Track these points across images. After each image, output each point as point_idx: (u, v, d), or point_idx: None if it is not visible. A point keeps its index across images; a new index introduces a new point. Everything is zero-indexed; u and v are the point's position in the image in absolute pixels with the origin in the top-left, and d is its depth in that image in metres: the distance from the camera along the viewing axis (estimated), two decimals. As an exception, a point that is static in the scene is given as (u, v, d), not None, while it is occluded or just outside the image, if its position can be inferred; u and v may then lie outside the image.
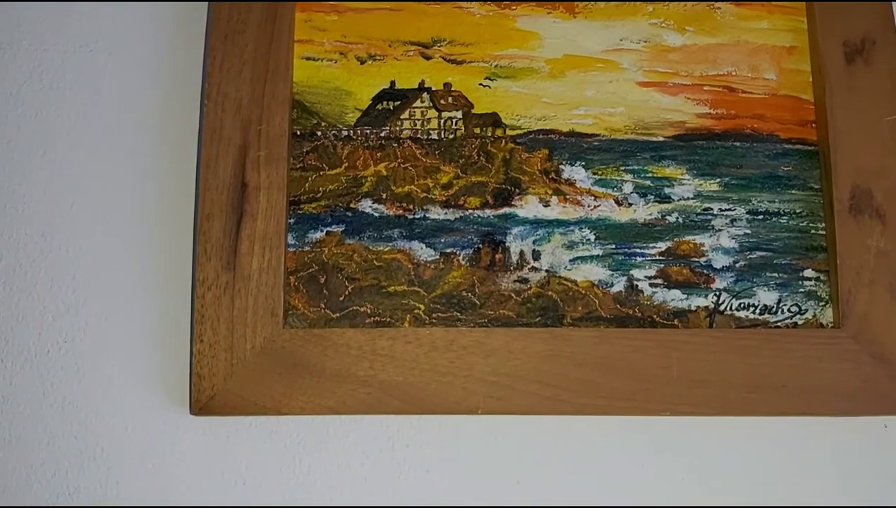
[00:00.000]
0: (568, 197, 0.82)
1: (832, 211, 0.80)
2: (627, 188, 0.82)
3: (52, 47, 0.84)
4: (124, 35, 0.85)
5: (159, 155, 0.83)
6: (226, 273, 0.78)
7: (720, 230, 0.82)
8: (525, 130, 0.83)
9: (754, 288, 0.81)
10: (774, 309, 0.80)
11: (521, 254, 0.81)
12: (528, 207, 0.82)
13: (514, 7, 0.85)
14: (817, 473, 0.79)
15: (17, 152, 0.83)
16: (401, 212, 0.82)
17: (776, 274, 0.81)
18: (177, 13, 0.85)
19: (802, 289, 0.80)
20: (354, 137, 0.83)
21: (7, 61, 0.84)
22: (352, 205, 0.81)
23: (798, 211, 0.82)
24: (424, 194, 0.82)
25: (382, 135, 0.83)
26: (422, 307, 0.80)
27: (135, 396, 0.79)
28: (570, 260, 0.81)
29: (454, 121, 0.83)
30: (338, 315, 0.79)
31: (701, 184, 0.82)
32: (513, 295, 0.80)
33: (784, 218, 0.82)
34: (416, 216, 0.81)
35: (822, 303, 0.80)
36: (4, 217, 0.82)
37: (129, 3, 0.85)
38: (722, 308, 0.80)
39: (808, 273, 0.81)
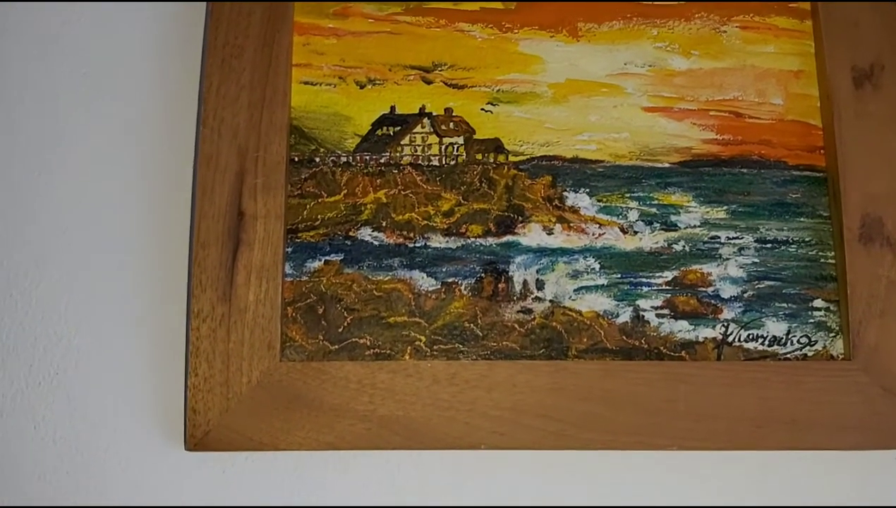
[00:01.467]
0: (572, 225, 0.82)
1: (842, 239, 0.80)
2: (633, 216, 0.82)
3: (48, 72, 0.84)
4: (120, 60, 0.86)
5: (154, 182, 0.84)
6: (221, 304, 0.77)
7: (728, 259, 0.82)
8: (528, 156, 0.83)
9: (763, 319, 0.81)
10: (784, 341, 0.80)
11: (525, 283, 0.81)
12: (532, 235, 0.82)
13: (516, 30, 0.85)
14: (826, 505, 0.78)
15: (12, 178, 0.83)
16: (401, 240, 0.81)
17: (785, 305, 0.81)
18: (173, 38, 0.85)
19: (812, 320, 0.80)
20: (354, 164, 0.83)
21: (3, 85, 0.84)
22: (351, 234, 0.81)
23: (807, 239, 0.82)
24: (425, 222, 0.82)
25: (382, 161, 0.83)
26: (423, 339, 0.79)
27: (128, 431, 0.79)
28: (575, 290, 0.81)
29: (455, 147, 0.83)
30: (336, 347, 0.79)
31: (708, 212, 0.82)
32: (516, 326, 0.80)
33: (793, 246, 0.82)
34: (417, 244, 0.81)
35: (833, 335, 0.80)
36: (7, 250, 0.82)
37: (125, 28, 0.85)
38: (730, 339, 0.80)
39: (818, 303, 0.81)
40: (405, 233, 0.82)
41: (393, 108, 0.84)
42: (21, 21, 0.86)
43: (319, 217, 0.82)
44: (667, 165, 0.83)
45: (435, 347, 0.79)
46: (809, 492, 0.79)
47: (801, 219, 0.82)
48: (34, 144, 0.83)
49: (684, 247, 0.82)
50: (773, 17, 0.85)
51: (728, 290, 0.81)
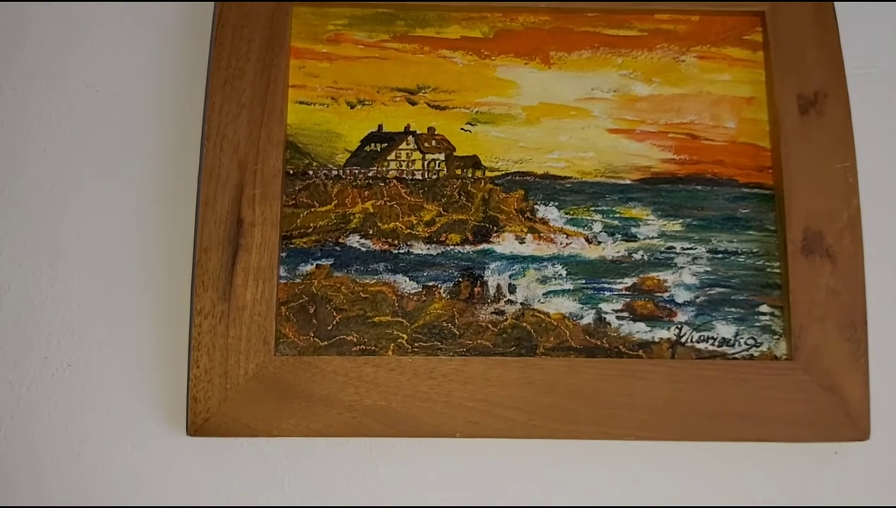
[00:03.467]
0: (542, 235, 0.84)
1: (786, 251, 0.83)
2: (597, 227, 0.85)
3: (61, 88, 0.87)
4: (129, 78, 0.87)
5: (161, 192, 0.85)
6: (221, 303, 0.80)
7: (682, 267, 0.84)
8: (503, 172, 0.85)
9: (713, 322, 0.83)
10: (732, 342, 0.83)
11: (498, 287, 0.83)
12: (505, 244, 0.84)
13: (493, 57, 0.87)
14: (771, 497, 0.82)
15: (27, 186, 0.85)
16: (386, 247, 0.84)
17: (734, 309, 0.83)
18: (179, 59, 0.87)
19: (758, 324, 0.83)
20: (344, 177, 0.85)
21: (19, 101, 0.87)
22: (340, 240, 0.83)
23: (755, 250, 0.84)
24: (409, 231, 0.84)
25: (370, 174, 0.85)
26: (405, 336, 0.81)
27: (135, 417, 0.81)
28: (544, 294, 0.83)
29: (437, 162, 0.86)
30: (326, 343, 0.81)
31: (665, 225, 0.85)
32: (490, 326, 0.82)
33: (741, 257, 0.84)
34: (401, 251, 0.83)
35: (777, 337, 0.82)
36: (14, 247, 0.84)
37: (136, 52, 0.87)
38: (683, 340, 0.82)
39: (764, 308, 0.83)
40: (390, 240, 0.84)
41: (380, 127, 0.86)
42: (38, 39, 0.88)
43: (312, 225, 0.83)
44: (628, 182, 0.85)
45: (416, 344, 0.81)
46: (753, 481, 0.82)
47: (750, 232, 0.84)
48: (50, 156, 0.86)
49: (643, 256, 0.84)
50: (728, 48, 0.87)
51: (682, 296, 0.83)
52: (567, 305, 0.83)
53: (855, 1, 0.90)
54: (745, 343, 0.83)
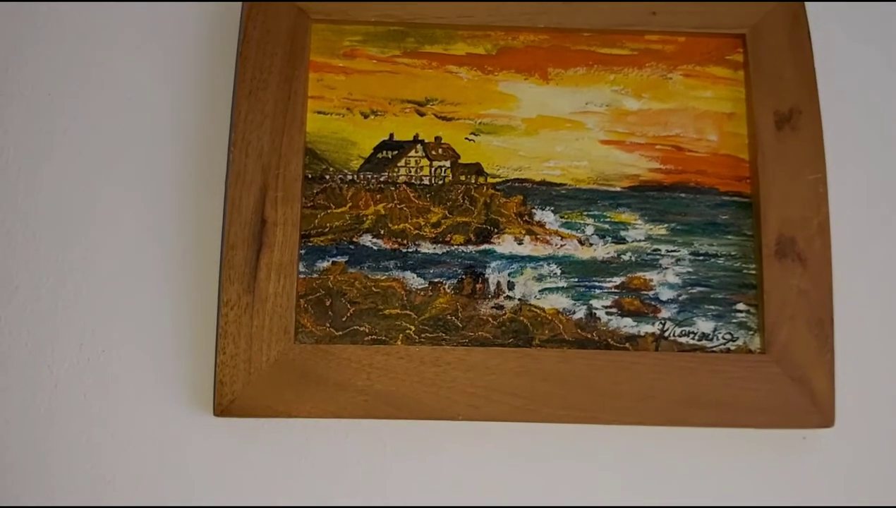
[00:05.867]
0: (539, 236, 0.87)
1: (761, 254, 0.85)
2: (589, 230, 0.88)
3: (97, 95, 0.89)
4: (160, 87, 0.90)
5: (192, 193, 0.88)
6: (246, 295, 0.83)
7: (666, 268, 0.87)
8: (503, 179, 0.88)
9: (694, 318, 0.86)
10: (711, 337, 0.86)
11: (498, 284, 0.86)
12: (505, 245, 0.87)
13: (496, 73, 0.90)
14: (744, 478, 0.85)
15: (66, 187, 0.88)
16: (396, 246, 0.87)
17: (713, 307, 0.86)
18: (206, 72, 0.90)
19: (735, 320, 0.86)
20: (358, 181, 0.88)
21: (55, 107, 0.89)
22: (354, 240, 0.86)
23: (733, 253, 0.87)
24: (416, 231, 0.87)
25: (382, 179, 0.88)
26: (412, 328, 0.85)
27: (165, 400, 0.84)
28: (540, 291, 0.86)
29: (443, 169, 0.88)
30: (340, 333, 0.84)
31: (651, 229, 0.88)
32: (490, 319, 0.85)
33: (721, 259, 0.87)
34: (409, 250, 0.86)
35: (751, 333, 0.86)
36: (54, 242, 0.87)
37: (168, 64, 0.90)
38: (666, 334, 0.86)
39: (740, 306, 0.86)
40: (399, 240, 0.87)
41: (391, 136, 0.88)
42: (74, 48, 0.90)
43: (328, 225, 0.86)
44: (619, 189, 0.88)
45: (422, 335, 0.84)
46: (728, 463, 0.85)
47: (729, 237, 0.87)
48: (87, 156, 0.88)
49: (631, 257, 0.87)
50: (711, 67, 0.90)
51: (666, 294, 0.87)
52: (561, 301, 0.86)
53: (828, 23, 0.93)
54: (723, 338, 0.86)
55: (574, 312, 0.87)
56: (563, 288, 0.87)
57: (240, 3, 0.90)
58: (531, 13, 0.90)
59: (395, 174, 0.89)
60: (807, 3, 0.90)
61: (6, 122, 0.90)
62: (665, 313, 0.87)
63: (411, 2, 0.89)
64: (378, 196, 0.88)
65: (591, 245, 0.88)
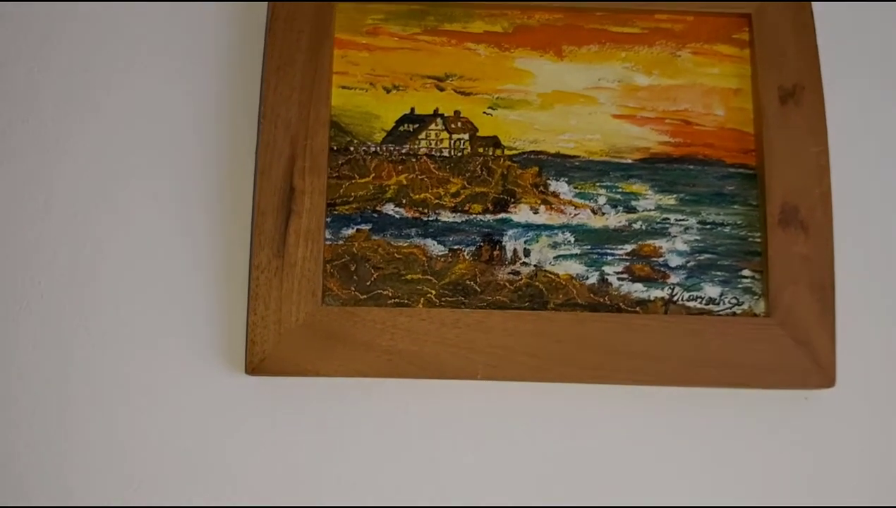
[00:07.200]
0: (553, 206, 0.89)
1: (765, 223, 0.88)
2: (602, 200, 0.90)
3: (141, 68, 0.92)
4: (195, 65, 0.93)
5: (224, 164, 0.91)
6: (276, 260, 0.85)
7: (675, 236, 0.89)
8: (520, 151, 0.90)
9: (702, 284, 0.88)
10: (718, 301, 0.88)
11: (515, 251, 0.89)
12: (521, 214, 0.89)
13: (512, 50, 0.92)
14: (749, 436, 0.87)
15: (105, 157, 0.91)
16: (417, 214, 0.89)
17: (720, 273, 0.89)
18: (239, 50, 0.93)
19: (741, 286, 0.88)
20: (381, 153, 0.90)
21: (96, 80, 0.92)
22: (377, 208, 0.89)
23: (739, 222, 0.89)
24: (437, 201, 0.89)
25: (403, 151, 0.90)
26: (433, 292, 0.87)
27: (201, 360, 0.87)
28: (554, 258, 0.88)
29: (462, 141, 0.91)
30: (365, 296, 0.87)
31: (661, 199, 0.90)
32: (507, 284, 0.88)
33: (727, 228, 0.89)
34: (430, 218, 0.89)
35: (756, 297, 0.88)
36: (90, 208, 0.89)
37: (200, 36, 0.93)
38: (675, 299, 0.88)
39: (746, 272, 0.89)
40: (420, 209, 0.89)
41: (412, 110, 0.91)
42: (109, 29, 0.93)
43: (353, 194, 0.89)
44: (630, 161, 0.90)
45: (443, 299, 0.87)
46: (734, 422, 0.87)
47: (735, 207, 0.90)
48: (125, 127, 0.91)
49: (641, 225, 0.89)
50: (718, 45, 0.92)
51: (675, 261, 0.89)
52: (574, 267, 0.89)
53: (830, 1, 0.96)
54: (729, 302, 0.88)
55: (587, 278, 0.89)
56: (576, 254, 0.89)
57: (268, -17, 0.92)
58: (546, -7, 0.92)
59: (416, 146, 0.91)
60: (809, -21, 0.92)
61: (43, 90, 0.93)
62: (674, 279, 0.89)
63: (432, -20, 0.91)
64: (400, 167, 0.90)
65: (603, 214, 0.90)
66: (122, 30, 0.94)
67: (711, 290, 0.89)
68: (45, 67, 0.93)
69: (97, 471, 0.86)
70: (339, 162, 0.90)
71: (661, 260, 0.90)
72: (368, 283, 0.88)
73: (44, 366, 0.88)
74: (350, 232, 0.89)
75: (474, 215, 0.90)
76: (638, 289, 0.89)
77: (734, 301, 0.89)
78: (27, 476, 0.85)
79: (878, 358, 0.90)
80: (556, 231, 0.90)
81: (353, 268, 0.88)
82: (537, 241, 0.90)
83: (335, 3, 0.91)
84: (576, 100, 0.92)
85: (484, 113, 0.92)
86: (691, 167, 0.91)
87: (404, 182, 0.90)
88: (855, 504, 0.87)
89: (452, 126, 0.91)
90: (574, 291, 0.88)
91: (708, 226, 0.90)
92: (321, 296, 0.86)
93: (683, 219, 0.91)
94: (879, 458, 0.89)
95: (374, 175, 0.90)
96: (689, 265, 0.90)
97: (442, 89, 0.92)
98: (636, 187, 0.91)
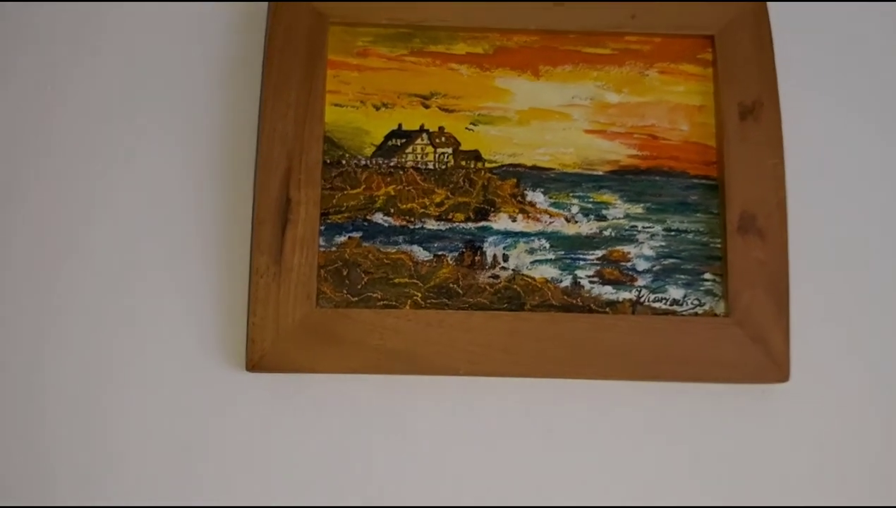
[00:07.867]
0: (530, 215, 0.92)
1: (725, 230, 0.90)
2: (574, 209, 0.92)
3: (148, 85, 0.94)
4: (199, 85, 0.95)
5: (225, 177, 0.93)
6: (274, 265, 0.87)
7: (642, 242, 0.92)
8: (499, 164, 0.92)
9: (666, 286, 0.91)
10: (681, 302, 0.91)
11: (494, 256, 0.91)
12: (500, 222, 0.91)
13: (493, 70, 0.94)
14: (710, 428, 0.90)
15: (114, 164, 0.92)
16: (404, 223, 0.91)
17: (683, 276, 0.91)
18: (239, 68, 0.95)
19: (702, 288, 0.91)
20: (370, 166, 0.92)
21: (97, 99, 0.94)
22: (368, 217, 0.91)
23: (701, 229, 0.92)
24: (422, 210, 0.91)
25: (391, 164, 0.92)
26: (419, 294, 0.89)
27: (204, 358, 0.89)
28: (531, 262, 0.91)
29: (446, 155, 0.93)
30: (356, 299, 0.89)
31: (629, 208, 0.92)
32: (487, 287, 0.90)
33: (690, 234, 0.92)
34: (416, 226, 0.91)
35: (717, 299, 0.90)
36: (107, 217, 0.92)
37: (202, 55, 0.95)
38: (642, 300, 0.91)
39: (707, 276, 0.91)
40: (407, 217, 0.91)
41: (400, 126, 0.93)
42: (112, 38, 0.94)
43: (345, 204, 0.90)
44: (601, 173, 0.92)
45: (428, 301, 0.89)
46: (695, 415, 0.90)
47: (698, 215, 0.92)
48: (132, 135, 0.93)
49: (611, 233, 0.91)
50: (684, 64, 0.95)
51: (642, 265, 0.91)
52: (549, 271, 0.91)
53: (789, 24, 0.97)
54: (692, 303, 0.91)
55: (561, 281, 0.91)
56: (551, 260, 0.91)
57: (266, 4, 0.95)
58: (524, 17, 0.95)
59: (403, 160, 0.93)
60: (769, 4, 0.95)
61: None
62: (641, 282, 0.92)
63: (418, 1, 0.94)
64: (388, 179, 0.92)
65: (576, 222, 0.92)
66: (135, 58, 0.96)
67: (675, 292, 0.91)
68: (46, 72, 0.95)
69: (96, 469, 0.87)
70: (332, 174, 0.92)
71: (629, 264, 0.92)
72: (359, 287, 0.90)
73: (50, 366, 0.90)
74: (342, 239, 0.91)
75: (457, 223, 0.92)
76: (608, 292, 0.91)
77: (696, 302, 0.91)
78: (27, 476, 0.87)
79: (828, 355, 0.93)
80: (532, 238, 0.92)
81: (345, 273, 0.90)
82: (515, 247, 0.92)
83: (328, 25, 0.93)
84: (551, 116, 0.94)
85: (466, 128, 0.94)
86: (657, 178, 0.93)
87: (392, 193, 0.92)
88: (805, 485, 0.90)
89: (437, 141, 0.93)
90: (549, 293, 0.91)
91: (672, 233, 0.92)
92: (316, 299, 0.88)
93: (650, 227, 0.93)
94: (831, 448, 0.91)
95: (364, 186, 0.92)
96: (654, 269, 0.92)
97: (427, 106, 0.94)
98: (606, 197, 0.93)
